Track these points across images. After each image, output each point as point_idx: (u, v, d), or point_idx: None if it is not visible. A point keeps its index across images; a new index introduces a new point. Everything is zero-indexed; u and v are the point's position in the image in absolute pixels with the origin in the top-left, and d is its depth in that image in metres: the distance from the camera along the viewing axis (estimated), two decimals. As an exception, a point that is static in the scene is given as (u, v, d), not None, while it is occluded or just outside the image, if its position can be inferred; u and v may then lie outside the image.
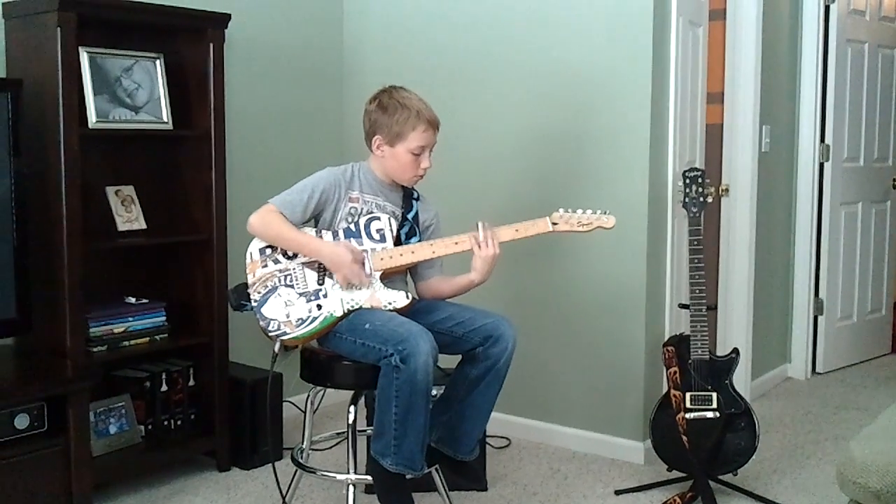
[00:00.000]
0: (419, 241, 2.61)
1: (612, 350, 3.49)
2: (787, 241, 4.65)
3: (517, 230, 2.56)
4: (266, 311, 2.50)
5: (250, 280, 2.53)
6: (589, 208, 2.61)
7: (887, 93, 4.98)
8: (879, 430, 2.14)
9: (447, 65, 3.83)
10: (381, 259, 2.53)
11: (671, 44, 3.42)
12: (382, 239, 2.55)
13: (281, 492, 2.67)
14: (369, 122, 2.59)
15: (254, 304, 2.51)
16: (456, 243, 2.54)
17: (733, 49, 4.07)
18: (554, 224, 2.57)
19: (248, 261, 2.54)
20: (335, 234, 2.54)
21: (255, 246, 2.55)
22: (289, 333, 2.49)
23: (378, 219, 2.56)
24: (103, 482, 3.03)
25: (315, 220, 2.59)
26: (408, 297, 2.52)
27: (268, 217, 2.50)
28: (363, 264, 2.50)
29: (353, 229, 2.55)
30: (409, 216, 2.63)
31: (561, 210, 2.59)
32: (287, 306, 2.49)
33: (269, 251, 2.54)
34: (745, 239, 4.15)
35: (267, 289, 2.51)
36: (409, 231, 2.62)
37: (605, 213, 2.58)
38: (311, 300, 2.50)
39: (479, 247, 2.52)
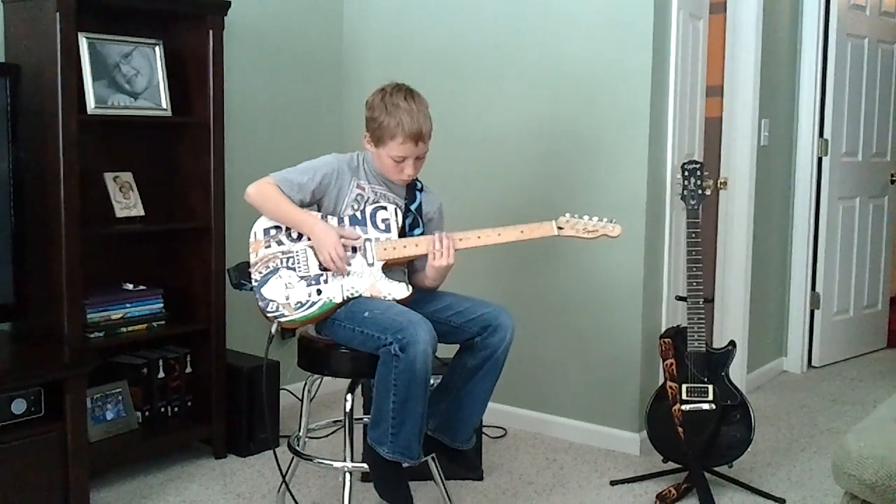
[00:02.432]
0: (422, 232, 2.61)
1: (608, 341, 3.50)
2: (784, 235, 4.66)
3: (522, 231, 2.54)
4: (266, 291, 2.50)
5: (252, 259, 2.53)
6: (598, 214, 2.58)
7: (887, 88, 4.98)
8: (875, 423, 2.15)
9: (446, 55, 3.82)
10: (385, 249, 2.52)
11: (671, 36, 3.41)
12: (388, 229, 2.55)
13: (282, 474, 2.66)
14: (365, 116, 2.58)
15: (254, 283, 2.52)
16: (460, 239, 2.53)
17: (733, 42, 4.07)
18: (559, 228, 2.55)
19: (251, 240, 2.54)
20: (340, 221, 2.54)
21: (260, 225, 2.55)
22: (286, 316, 2.49)
23: (385, 209, 2.56)
24: (100, 468, 3.04)
25: (318, 205, 2.58)
26: (408, 288, 2.52)
27: (265, 189, 2.50)
28: (352, 251, 2.49)
29: (359, 217, 2.55)
30: (413, 207, 2.62)
31: (567, 215, 2.57)
32: (287, 288, 2.50)
33: (273, 231, 2.54)
34: (743, 232, 4.15)
35: (268, 269, 2.51)
36: (412, 222, 2.61)
37: (611, 221, 2.56)
38: (311, 284, 2.50)
39: (434, 256, 2.50)
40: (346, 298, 2.50)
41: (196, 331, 3.30)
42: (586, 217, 2.57)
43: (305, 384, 2.68)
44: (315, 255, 2.51)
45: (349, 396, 2.55)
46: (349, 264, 2.50)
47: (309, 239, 2.52)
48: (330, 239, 2.46)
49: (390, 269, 2.55)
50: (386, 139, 2.49)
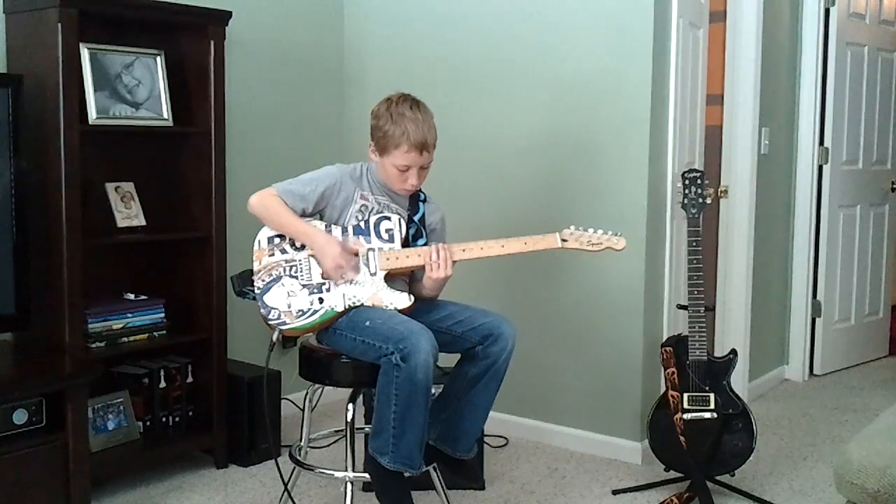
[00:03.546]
0: (426, 243, 2.61)
1: (610, 350, 3.50)
2: (785, 243, 4.66)
3: (526, 243, 2.54)
4: (268, 299, 2.50)
5: (256, 267, 2.54)
6: (602, 224, 2.58)
7: (886, 96, 4.99)
8: (877, 432, 2.14)
9: (447, 65, 3.83)
10: (387, 259, 2.53)
11: (671, 45, 3.42)
12: (391, 239, 2.55)
13: (284, 483, 2.66)
14: (370, 125, 2.59)
15: (257, 291, 2.52)
16: (463, 250, 2.53)
17: (733, 51, 4.08)
18: (564, 241, 2.55)
19: (255, 248, 2.55)
20: (344, 231, 2.55)
21: (264, 234, 2.56)
22: (288, 324, 2.49)
23: (388, 219, 2.56)
24: (101, 478, 3.03)
25: (321, 215, 2.59)
26: (409, 298, 2.52)
27: (268, 200, 2.51)
28: (354, 265, 2.49)
29: (363, 227, 2.55)
30: (416, 218, 2.63)
31: (572, 227, 2.57)
32: (289, 296, 2.50)
33: (277, 240, 2.55)
34: (744, 240, 4.15)
35: (271, 277, 2.52)
36: (415, 233, 2.61)
37: (616, 234, 2.56)
38: (313, 293, 2.50)
39: (431, 268, 2.50)
40: (347, 307, 2.50)
41: (197, 340, 3.30)
42: (591, 230, 2.56)
43: (307, 394, 2.68)
44: (318, 263, 2.52)
45: (350, 406, 2.55)
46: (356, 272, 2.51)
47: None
48: (332, 249, 2.46)
49: (392, 278, 2.55)
50: (391, 148, 2.50)
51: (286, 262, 2.53)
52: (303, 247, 2.54)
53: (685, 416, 3.00)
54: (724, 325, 4.22)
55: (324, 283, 2.51)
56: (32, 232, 2.86)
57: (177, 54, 3.27)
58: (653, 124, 3.37)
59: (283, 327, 2.50)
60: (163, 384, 3.27)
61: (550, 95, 3.58)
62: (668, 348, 3.04)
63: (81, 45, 2.96)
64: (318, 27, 4.07)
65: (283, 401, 3.58)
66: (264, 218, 2.54)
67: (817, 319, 4.74)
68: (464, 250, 2.53)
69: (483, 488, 3.18)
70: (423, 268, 2.55)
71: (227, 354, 3.34)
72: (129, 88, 3.12)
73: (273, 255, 2.54)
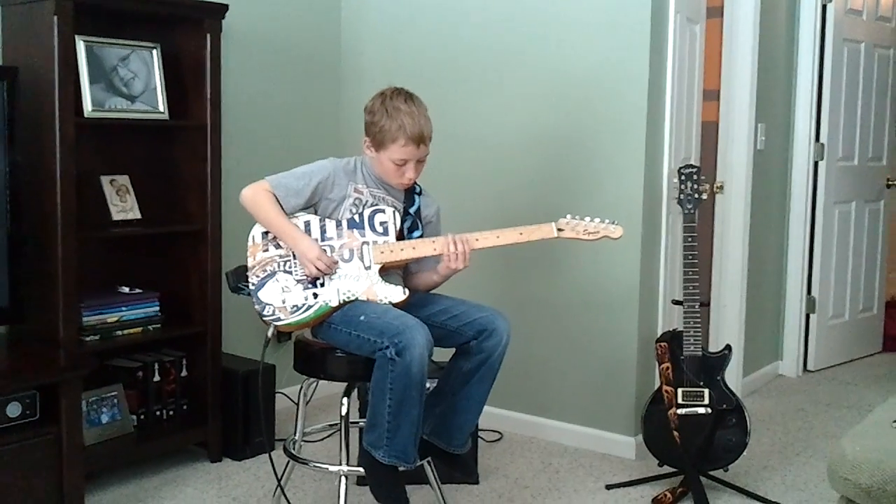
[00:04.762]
0: (421, 235, 2.61)
1: (604, 345, 3.50)
2: (780, 239, 4.66)
3: (521, 233, 2.54)
4: (262, 295, 2.50)
5: (250, 263, 2.54)
6: (597, 216, 2.56)
7: (883, 92, 5.00)
8: (870, 428, 2.15)
9: (444, 58, 3.83)
10: (382, 252, 2.52)
11: (668, 40, 3.42)
12: (385, 232, 2.55)
13: (277, 478, 2.66)
14: (364, 121, 2.58)
15: (251, 287, 2.52)
16: None
17: (730, 47, 4.08)
18: (560, 230, 2.55)
19: (249, 243, 2.55)
20: (338, 224, 2.54)
21: (258, 229, 2.56)
22: (283, 319, 2.49)
23: (383, 212, 2.56)
24: (95, 472, 3.03)
25: (315, 209, 2.59)
26: (404, 292, 2.52)
27: (260, 195, 2.51)
28: (331, 268, 2.49)
29: (357, 220, 2.55)
30: (412, 211, 2.63)
31: (568, 216, 2.57)
32: (283, 292, 2.50)
33: (271, 235, 2.54)
34: (739, 236, 4.15)
35: (265, 273, 2.51)
36: (411, 225, 2.61)
37: (612, 222, 2.55)
38: (307, 288, 2.50)
39: (450, 259, 2.50)
40: (342, 302, 2.50)
41: (192, 334, 3.29)
42: (587, 218, 2.56)
43: (301, 388, 2.68)
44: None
45: (345, 400, 2.55)
46: (339, 267, 2.50)
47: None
48: (311, 254, 2.46)
49: (387, 272, 2.55)
50: (387, 142, 2.50)
51: (280, 257, 2.53)
52: None
53: (679, 411, 3.01)
54: (718, 320, 4.22)
55: (318, 278, 2.51)
56: (27, 225, 2.86)
57: (173, 47, 3.26)
58: (649, 119, 3.37)
59: (278, 323, 2.50)
60: (157, 378, 3.27)
61: (547, 90, 3.57)
62: (662, 343, 3.04)
63: (77, 37, 2.95)
64: (315, 21, 4.06)
65: (277, 394, 3.58)
66: (252, 212, 2.54)
67: (811, 315, 4.75)
68: None
69: (477, 482, 3.19)
70: (416, 261, 2.56)
71: (222, 348, 3.34)
72: (124, 81, 3.11)
73: (267, 250, 2.54)
